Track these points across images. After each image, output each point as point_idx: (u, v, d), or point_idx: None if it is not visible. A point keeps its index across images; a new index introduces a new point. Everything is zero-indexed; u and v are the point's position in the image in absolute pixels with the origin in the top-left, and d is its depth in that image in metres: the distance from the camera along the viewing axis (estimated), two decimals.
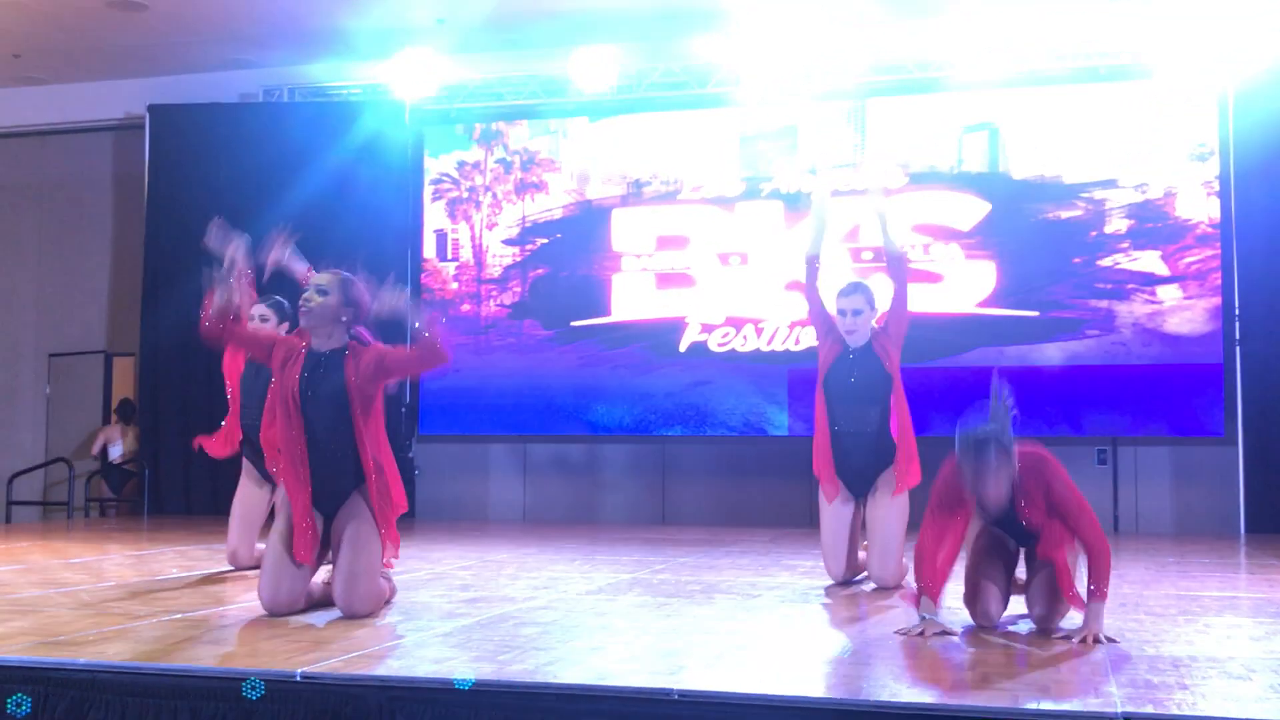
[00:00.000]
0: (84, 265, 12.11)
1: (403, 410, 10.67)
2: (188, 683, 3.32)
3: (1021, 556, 4.45)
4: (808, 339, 9.84)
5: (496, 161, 10.77)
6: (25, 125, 12.07)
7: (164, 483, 11.10)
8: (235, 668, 3.40)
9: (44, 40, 10.60)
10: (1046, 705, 3.00)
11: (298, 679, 3.28)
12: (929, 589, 4.16)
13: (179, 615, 4.48)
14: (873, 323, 5.54)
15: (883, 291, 5.62)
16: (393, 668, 3.49)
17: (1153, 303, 9.34)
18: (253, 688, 3.23)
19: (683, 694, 3.09)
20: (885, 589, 5.35)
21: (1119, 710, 2.91)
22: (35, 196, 12.23)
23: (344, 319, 4.54)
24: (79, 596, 5.02)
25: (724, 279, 10.11)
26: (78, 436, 11.88)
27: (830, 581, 5.59)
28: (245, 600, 4.93)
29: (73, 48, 10.78)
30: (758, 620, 4.49)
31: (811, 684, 3.36)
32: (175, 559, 6.64)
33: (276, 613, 4.46)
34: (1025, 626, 4.30)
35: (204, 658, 3.59)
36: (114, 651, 3.66)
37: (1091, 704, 3.00)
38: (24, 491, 11.80)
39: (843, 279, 5.91)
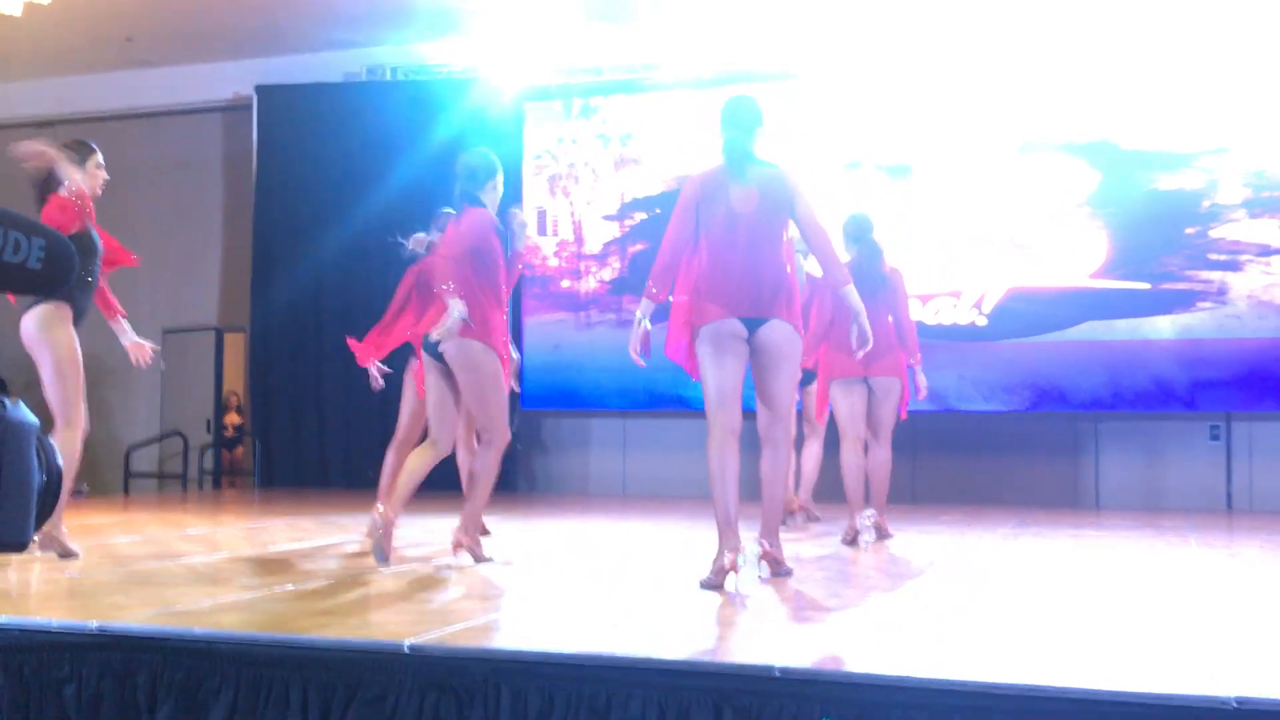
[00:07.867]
0: (196, 243, 12.40)
1: None
2: (299, 654, 3.40)
3: None
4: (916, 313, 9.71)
5: (596, 137, 10.78)
6: (138, 107, 12.37)
7: (275, 456, 11.37)
8: (348, 638, 3.47)
9: (154, 24, 10.85)
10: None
11: (406, 651, 3.34)
12: None
13: (291, 587, 4.59)
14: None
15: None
16: (499, 640, 3.54)
17: (1268, 274, 9.05)
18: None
19: (784, 671, 3.08)
20: None
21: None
22: (148, 177, 12.53)
23: None
24: (195, 567, 5.16)
25: None
26: (192, 410, 12.20)
27: None
28: (356, 570, 5.03)
29: (182, 30, 11.01)
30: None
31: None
32: (286, 530, 6.79)
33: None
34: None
35: (312, 628, 3.66)
36: (229, 622, 3.76)
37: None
38: (141, 464, 12.19)
39: None
